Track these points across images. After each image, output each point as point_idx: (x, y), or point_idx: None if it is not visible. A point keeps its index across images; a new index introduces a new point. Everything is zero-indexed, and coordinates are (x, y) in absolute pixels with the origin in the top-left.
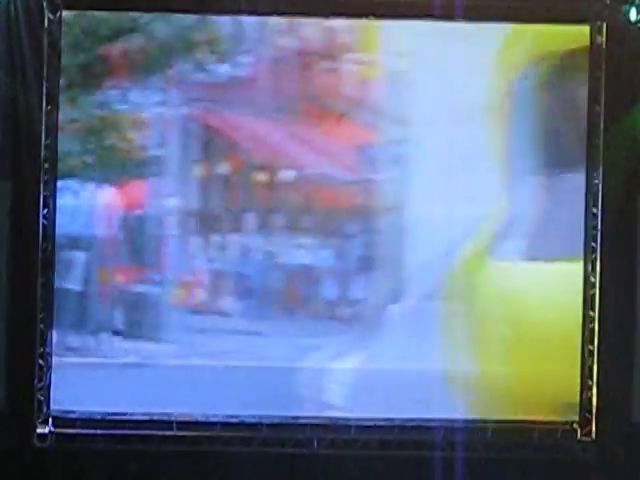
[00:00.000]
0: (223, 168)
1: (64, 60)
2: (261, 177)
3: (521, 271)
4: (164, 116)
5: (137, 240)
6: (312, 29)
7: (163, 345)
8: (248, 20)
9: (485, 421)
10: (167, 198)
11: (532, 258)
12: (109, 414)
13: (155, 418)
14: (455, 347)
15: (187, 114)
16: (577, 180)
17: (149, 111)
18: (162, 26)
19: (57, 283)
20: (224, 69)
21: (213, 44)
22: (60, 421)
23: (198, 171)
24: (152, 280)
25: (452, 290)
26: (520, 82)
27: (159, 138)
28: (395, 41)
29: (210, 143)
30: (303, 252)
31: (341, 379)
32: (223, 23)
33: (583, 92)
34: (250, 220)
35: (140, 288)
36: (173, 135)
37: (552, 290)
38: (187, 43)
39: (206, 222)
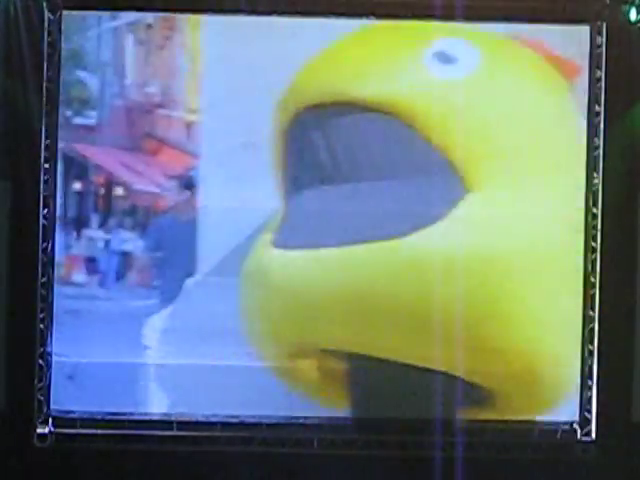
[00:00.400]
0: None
1: None
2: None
3: (296, 257)
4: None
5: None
6: (153, 88)
7: None
8: (109, 80)
9: (485, 421)
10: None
11: (303, 247)
12: (109, 414)
13: (155, 418)
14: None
15: (67, 146)
16: (339, 191)
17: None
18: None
19: None
20: (94, 114)
21: (88, 98)
22: (60, 421)
23: (75, 186)
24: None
25: (242, 271)
26: (295, 123)
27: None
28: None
29: (84, 167)
30: (127, 242)
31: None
32: (92, 83)
33: (334, 143)
34: (97, 219)
35: None
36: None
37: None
38: (68, 96)
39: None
